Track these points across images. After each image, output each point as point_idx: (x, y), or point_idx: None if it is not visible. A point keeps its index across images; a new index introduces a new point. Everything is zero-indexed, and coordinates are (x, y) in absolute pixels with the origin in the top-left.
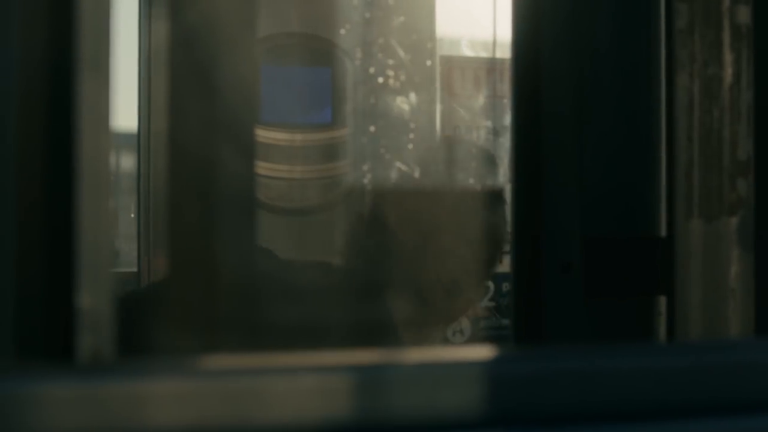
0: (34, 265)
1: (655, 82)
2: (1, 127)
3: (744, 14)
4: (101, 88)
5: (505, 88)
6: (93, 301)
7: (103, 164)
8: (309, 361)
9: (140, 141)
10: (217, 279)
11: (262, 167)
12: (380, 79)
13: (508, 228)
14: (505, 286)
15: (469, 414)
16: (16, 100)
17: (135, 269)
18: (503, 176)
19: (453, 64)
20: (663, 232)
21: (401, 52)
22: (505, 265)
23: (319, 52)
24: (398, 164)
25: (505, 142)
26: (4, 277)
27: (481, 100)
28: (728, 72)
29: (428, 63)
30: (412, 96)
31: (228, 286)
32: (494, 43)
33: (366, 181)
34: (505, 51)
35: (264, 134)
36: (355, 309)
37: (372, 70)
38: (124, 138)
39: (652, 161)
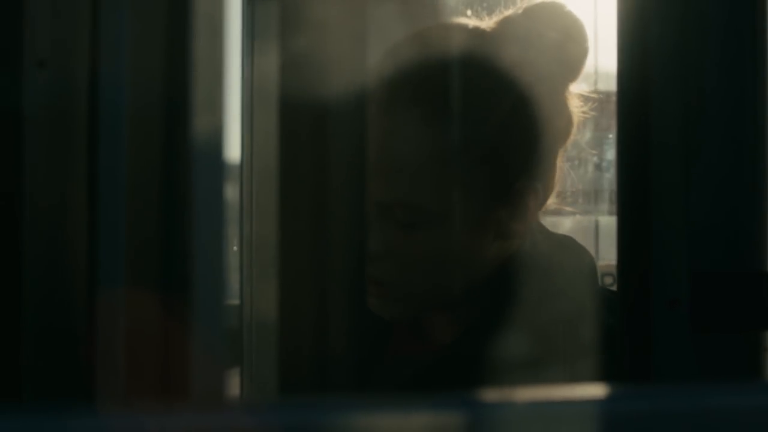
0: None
1: (762, 114)
2: (114, 170)
3: None
4: (215, 131)
5: (607, 121)
6: (209, 339)
7: (218, 208)
8: (421, 398)
9: (242, 172)
10: (322, 315)
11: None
12: None
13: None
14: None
15: None
16: (126, 142)
17: (237, 302)
18: (608, 210)
19: None
20: None
21: None
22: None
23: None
24: None
25: (610, 175)
26: (115, 314)
27: (586, 133)
28: None
29: None
30: None
31: (334, 321)
32: (596, 74)
33: None
34: (606, 83)
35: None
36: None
37: None
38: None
39: (760, 195)
